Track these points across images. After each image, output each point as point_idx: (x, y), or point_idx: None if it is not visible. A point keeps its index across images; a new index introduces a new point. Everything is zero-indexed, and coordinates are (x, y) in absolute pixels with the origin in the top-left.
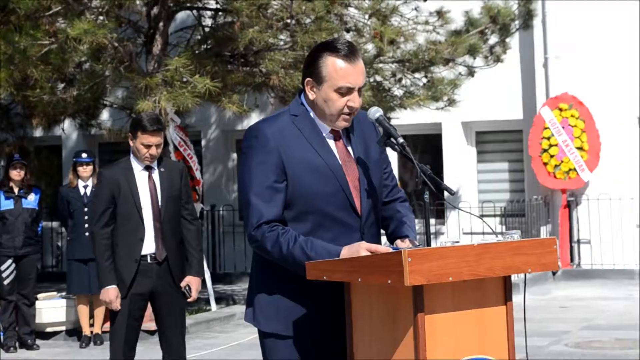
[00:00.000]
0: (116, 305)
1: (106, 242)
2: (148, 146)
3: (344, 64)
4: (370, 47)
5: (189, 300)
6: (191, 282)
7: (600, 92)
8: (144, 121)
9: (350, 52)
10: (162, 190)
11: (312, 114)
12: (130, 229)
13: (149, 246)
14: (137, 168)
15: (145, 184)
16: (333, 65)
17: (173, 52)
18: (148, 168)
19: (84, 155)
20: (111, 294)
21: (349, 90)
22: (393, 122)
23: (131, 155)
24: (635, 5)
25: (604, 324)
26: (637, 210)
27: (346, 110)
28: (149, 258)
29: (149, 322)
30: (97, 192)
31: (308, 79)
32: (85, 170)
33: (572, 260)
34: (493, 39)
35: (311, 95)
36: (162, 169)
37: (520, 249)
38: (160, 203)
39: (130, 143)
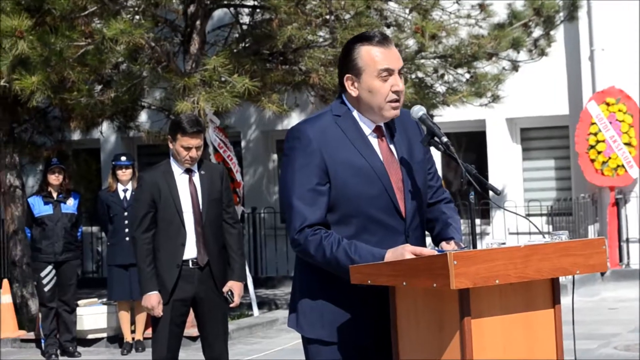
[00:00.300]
0: (158, 311)
1: (147, 247)
2: (188, 148)
3: (379, 49)
4: (411, 43)
5: (231, 305)
6: (233, 287)
7: None
8: (183, 123)
9: (383, 38)
10: (203, 193)
11: (355, 113)
12: (171, 233)
13: (190, 251)
14: (177, 171)
15: (186, 187)
16: (368, 53)
17: (211, 51)
18: (188, 171)
19: (123, 158)
20: (153, 300)
21: (389, 74)
22: (436, 119)
23: (171, 158)
24: None
25: None
26: None
27: (392, 96)
28: (190, 263)
29: (190, 328)
30: (138, 196)
31: (347, 75)
32: (124, 174)
33: (620, 260)
34: (537, 32)
35: (353, 91)
36: (202, 172)
37: (568, 250)
38: (201, 207)
39: (170, 146)
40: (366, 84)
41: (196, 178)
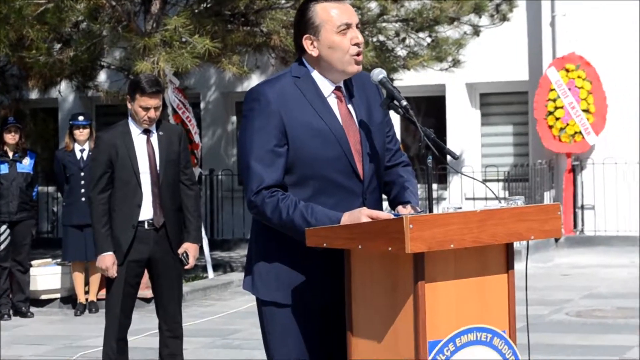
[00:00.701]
0: (113, 272)
1: (103, 208)
2: (146, 109)
3: (334, 4)
4: (373, 6)
5: (186, 267)
6: (189, 248)
7: (608, 52)
8: (142, 83)
9: None
10: (161, 154)
11: (314, 73)
12: (128, 194)
13: (146, 212)
14: (135, 132)
15: (144, 148)
16: (324, 10)
17: (172, 11)
18: (146, 132)
19: (81, 118)
20: (108, 260)
21: (348, 28)
22: (396, 83)
23: (129, 119)
24: None
25: (606, 292)
26: None
27: (354, 49)
28: (146, 224)
29: (145, 290)
30: (95, 156)
31: (305, 35)
32: (81, 134)
33: (575, 226)
34: None
35: (313, 51)
36: (160, 133)
37: (523, 215)
38: (158, 168)
39: (128, 106)
40: (326, 40)
41: (154, 139)
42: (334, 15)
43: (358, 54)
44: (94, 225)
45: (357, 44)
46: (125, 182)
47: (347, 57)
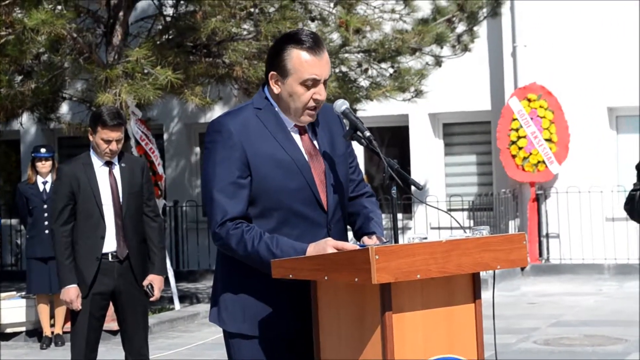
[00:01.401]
0: (77, 305)
1: (66, 240)
2: (108, 141)
3: (309, 56)
4: (335, 37)
5: (151, 299)
6: (154, 280)
7: (570, 81)
8: (104, 115)
9: (315, 44)
10: (124, 186)
11: (276, 107)
12: (90, 226)
13: (110, 244)
14: (97, 164)
15: (106, 180)
16: (298, 58)
17: (134, 42)
18: (108, 164)
19: (43, 150)
20: (72, 293)
21: (314, 83)
22: (359, 114)
23: (91, 151)
24: None
25: (573, 320)
26: (607, 203)
27: (311, 104)
28: (110, 256)
29: (111, 322)
30: (56, 188)
31: (272, 72)
32: (44, 166)
33: (540, 255)
34: (461, 28)
35: (276, 89)
36: (123, 165)
37: (489, 245)
38: (121, 199)
39: (90, 138)
40: (290, 86)
41: (116, 171)
42: (305, 67)
43: (314, 109)
44: (57, 258)
45: (317, 100)
46: (88, 214)
47: (302, 109)
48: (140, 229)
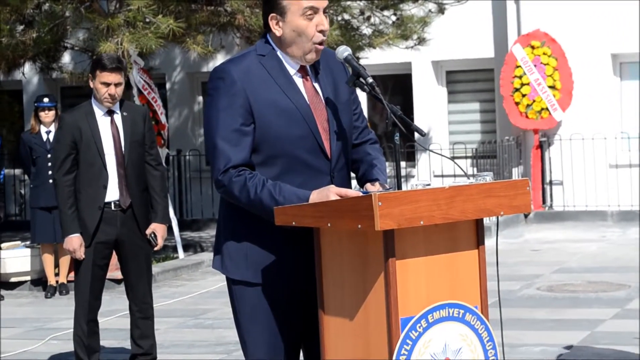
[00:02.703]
0: (80, 254)
1: (69, 190)
2: (107, 84)
3: None
4: None
5: (154, 248)
6: (157, 229)
7: (573, 28)
8: (103, 60)
9: None
10: (125, 135)
11: (279, 52)
12: (93, 175)
13: (112, 193)
14: (99, 112)
15: (108, 129)
16: None
17: None
18: (110, 112)
19: (46, 99)
20: (75, 242)
21: (314, 12)
22: (362, 61)
23: (93, 99)
24: None
25: (576, 267)
26: (610, 149)
27: (318, 37)
28: (112, 205)
29: (115, 271)
30: (58, 137)
31: (271, 14)
32: (47, 116)
33: (544, 202)
34: None
35: (278, 31)
36: (124, 113)
37: (492, 191)
38: (123, 148)
39: (91, 85)
40: (292, 22)
41: (118, 119)
42: None
43: (321, 43)
44: (60, 207)
45: (322, 31)
46: (90, 163)
47: (309, 44)
48: (143, 177)
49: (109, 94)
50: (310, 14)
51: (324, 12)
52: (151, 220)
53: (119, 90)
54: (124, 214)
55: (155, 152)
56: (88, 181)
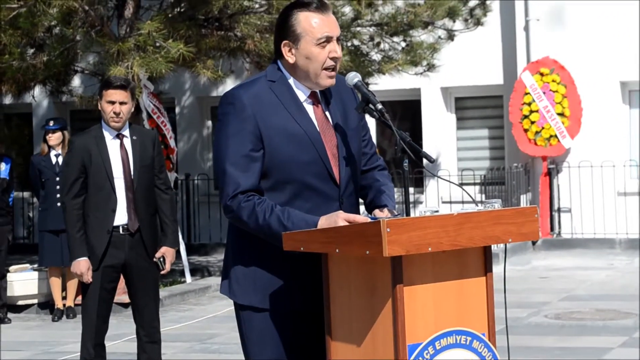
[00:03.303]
0: (87, 277)
1: (77, 213)
2: (112, 102)
3: (317, 15)
4: (347, 10)
5: (162, 272)
6: (166, 253)
7: (582, 56)
8: (109, 79)
9: (321, 4)
10: (135, 159)
11: (290, 80)
12: (102, 199)
13: (121, 217)
14: (108, 136)
15: (117, 152)
16: (307, 20)
17: (145, 15)
18: (120, 136)
19: (51, 122)
20: (82, 266)
21: (328, 41)
22: (371, 87)
23: (102, 123)
24: None
25: (584, 295)
26: (618, 177)
27: (329, 63)
28: (121, 229)
29: (122, 295)
30: (68, 160)
31: (284, 41)
32: (51, 138)
33: (552, 229)
34: (473, 2)
35: (290, 58)
36: (134, 137)
37: (500, 218)
38: (132, 172)
39: (99, 107)
40: (305, 50)
41: (127, 143)
42: (316, 27)
43: (334, 69)
44: (68, 230)
45: (334, 58)
46: (99, 187)
47: (321, 70)
48: (152, 201)
49: (114, 112)
50: (323, 43)
51: (337, 40)
52: (159, 244)
53: (125, 109)
54: (132, 238)
55: (164, 176)
56: (97, 205)
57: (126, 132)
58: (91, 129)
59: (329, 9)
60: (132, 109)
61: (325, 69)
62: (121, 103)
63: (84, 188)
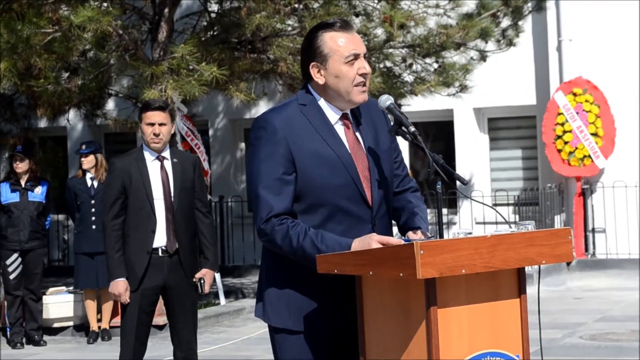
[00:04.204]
0: (125, 298)
1: (117, 234)
2: (151, 124)
3: (343, 34)
4: (379, 32)
5: (201, 294)
6: (206, 275)
7: (615, 75)
8: (148, 102)
9: (345, 24)
10: (175, 181)
11: (321, 102)
12: (141, 220)
13: (160, 238)
14: (149, 158)
15: (158, 174)
16: (333, 40)
17: (179, 39)
18: (160, 158)
19: (83, 146)
20: (120, 286)
21: (356, 57)
22: (404, 109)
23: (143, 145)
24: None
25: (620, 315)
26: None
27: (359, 79)
28: (160, 251)
29: (157, 317)
30: (108, 182)
31: (312, 63)
32: (84, 162)
33: (586, 250)
34: (505, 22)
35: (320, 79)
36: (174, 160)
37: (534, 240)
38: (172, 194)
39: (140, 130)
40: (333, 69)
41: (168, 165)
42: (342, 46)
43: (364, 84)
44: (107, 251)
45: (363, 74)
46: (139, 208)
47: (352, 87)
48: (191, 224)
49: (154, 133)
50: (351, 60)
51: (364, 56)
52: (199, 266)
53: (164, 130)
54: (171, 260)
55: (205, 200)
56: (136, 226)
57: (167, 154)
58: (132, 151)
59: (353, 28)
60: (172, 131)
61: (356, 85)
62: (160, 124)
63: (123, 209)
